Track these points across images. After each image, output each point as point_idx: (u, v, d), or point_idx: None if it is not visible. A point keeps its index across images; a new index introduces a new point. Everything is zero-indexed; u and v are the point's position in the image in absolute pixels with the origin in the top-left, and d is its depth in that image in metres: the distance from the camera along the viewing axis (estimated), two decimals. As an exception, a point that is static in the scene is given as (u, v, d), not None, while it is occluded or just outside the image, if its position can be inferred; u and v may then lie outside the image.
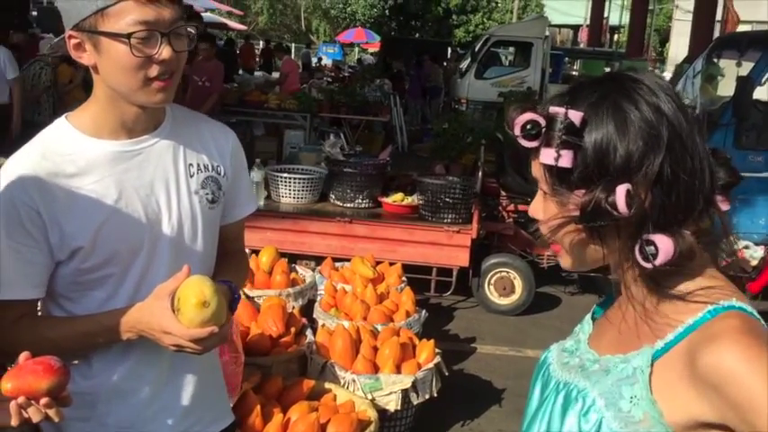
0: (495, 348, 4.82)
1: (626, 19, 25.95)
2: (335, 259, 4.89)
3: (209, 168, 1.50)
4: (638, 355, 0.96)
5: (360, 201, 5.41)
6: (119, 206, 1.37)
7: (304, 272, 4.62)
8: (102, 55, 1.31)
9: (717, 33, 13.99)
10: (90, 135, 1.38)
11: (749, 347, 0.87)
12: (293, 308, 3.96)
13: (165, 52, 1.30)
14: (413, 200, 5.44)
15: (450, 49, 24.13)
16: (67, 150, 1.36)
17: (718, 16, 14.82)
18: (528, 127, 0.96)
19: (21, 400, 1.12)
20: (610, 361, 1.01)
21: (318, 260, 5.05)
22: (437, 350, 3.55)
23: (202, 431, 1.53)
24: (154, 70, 1.31)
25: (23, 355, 1.15)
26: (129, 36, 1.27)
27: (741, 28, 14.22)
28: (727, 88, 6.94)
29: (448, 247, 5.16)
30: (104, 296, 1.40)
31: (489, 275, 5.37)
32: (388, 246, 5.14)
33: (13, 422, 1.13)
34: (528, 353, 4.74)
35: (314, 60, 25.42)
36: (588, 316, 1.17)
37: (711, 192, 0.97)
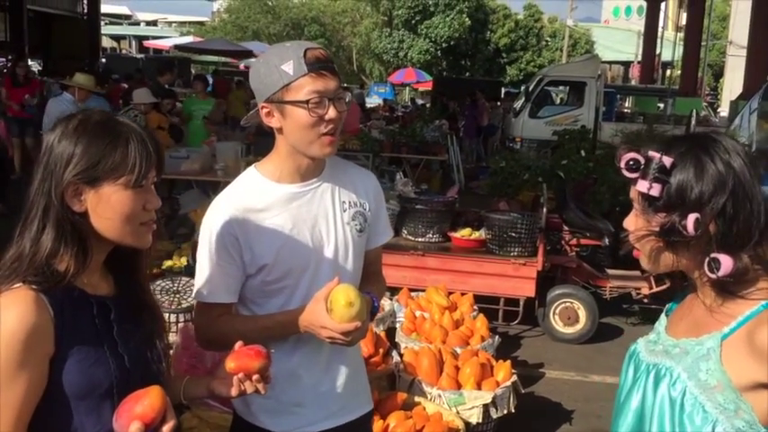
0: (562, 374, 5.10)
1: (678, 54, 25.93)
2: (410, 289, 5.27)
3: (358, 204, 1.92)
4: (710, 338, 1.31)
5: (431, 235, 5.80)
6: (293, 234, 1.80)
7: (383, 300, 5.01)
8: (286, 119, 1.75)
9: (772, 70, 14.07)
10: (273, 180, 1.82)
11: None
12: (376, 333, 4.34)
13: (331, 112, 1.74)
14: (480, 234, 5.79)
15: (503, 89, 24.50)
16: (257, 192, 1.81)
17: (773, 52, 14.91)
18: (631, 163, 1.34)
19: (240, 375, 1.52)
20: (687, 344, 1.36)
21: (393, 290, 5.44)
22: (513, 371, 3.88)
23: (351, 412, 1.93)
24: (324, 127, 1.75)
25: (239, 344, 1.55)
26: (307, 102, 1.71)
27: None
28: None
29: (515, 278, 5.50)
30: (281, 302, 1.82)
31: (554, 306, 5.66)
32: (458, 277, 5.51)
33: (233, 393, 1.53)
34: (594, 378, 5.01)
35: (368, 101, 26.09)
36: (663, 314, 1.52)
37: (766, 227, 1.31)
